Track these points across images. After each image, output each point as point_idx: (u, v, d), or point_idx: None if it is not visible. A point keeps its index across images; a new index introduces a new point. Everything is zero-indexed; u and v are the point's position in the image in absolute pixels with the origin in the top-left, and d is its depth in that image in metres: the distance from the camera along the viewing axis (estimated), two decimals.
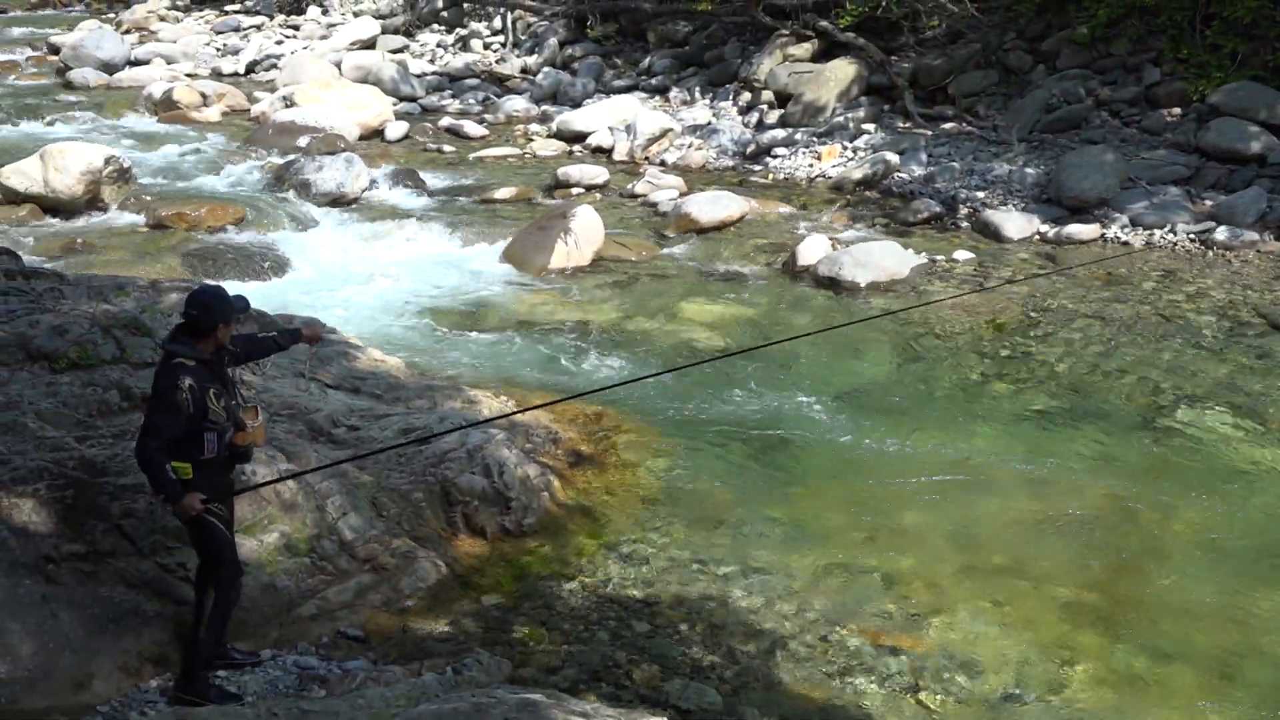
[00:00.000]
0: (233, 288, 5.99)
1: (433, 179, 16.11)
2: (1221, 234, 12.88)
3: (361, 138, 18.25)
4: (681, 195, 14.92)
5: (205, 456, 4.98)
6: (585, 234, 12.71)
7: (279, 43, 27.24)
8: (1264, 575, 6.77)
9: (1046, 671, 5.92)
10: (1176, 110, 15.78)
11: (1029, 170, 15.00)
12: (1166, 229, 13.24)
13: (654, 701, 5.54)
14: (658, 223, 14.21)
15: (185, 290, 8.07)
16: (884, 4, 18.83)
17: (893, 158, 15.92)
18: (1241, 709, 5.71)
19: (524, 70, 23.46)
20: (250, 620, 5.74)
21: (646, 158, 17.46)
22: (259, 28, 29.36)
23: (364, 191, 14.95)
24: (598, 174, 16.01)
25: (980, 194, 14.67)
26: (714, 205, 14.14)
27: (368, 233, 13.42)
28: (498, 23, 25.98)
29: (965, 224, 14.08)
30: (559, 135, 18.65)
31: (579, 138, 18.40)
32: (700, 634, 6.13)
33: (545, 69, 22.95)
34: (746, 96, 19.45)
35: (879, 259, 12.22)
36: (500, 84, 22.95)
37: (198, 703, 5.03)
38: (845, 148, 16.91)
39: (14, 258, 8.78)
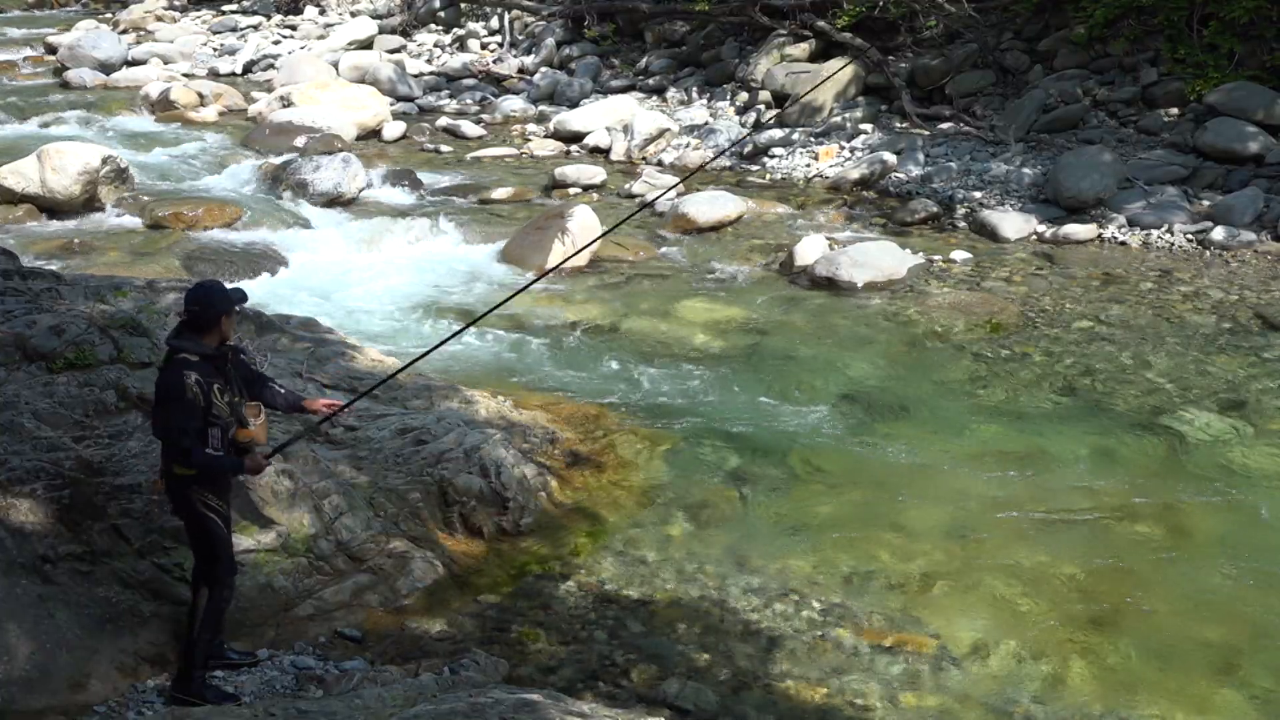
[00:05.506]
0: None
1: (430, 179, 16.08)
2: (1219, 234, 12.88)
3: (359, 138, 18.20)
4: (679, 195, 14.91)
5: (209, 451, 4.99)
6: (583, 234, 12.70)
7: (276, 43, 27.17)
8: (1263, 574, 6.77)
9: (1045, 671, 5.93)
10: (1174, 110, 15.76)
11: (1026, 170, 15.00)
12: (1164, 229, 13.24)
13: (651, 701, 5.54)
14: (655, 223, 14.20)
15: (183, 290, 8.04)
16: (881, 4, 18.82)
17: (890, 158, 15.91)
18: (1241, 709, 5.72)
19: (521, 70, 23.43)
20: (247, 620, 5.75)
21: (644, 158, 17.43)
22: (256, 28, 29.27)
23: (361, 191, 14.92)
24: (595, 174, 15.97)
25: (977, 194, 14.67)
26: (711, 205, 14.13)
27: (365, 232, 13.39)
28: (495, 23, 25.94)
29: (962, 224, 14.07)
30: (556, 135, 18.61)
31: (576, 138, 18.35)
32: (698, 634, 6.14)
33: (542, 69, 22.92)
34: (744, 96, 19.42)
35: (876, 259, 12.22)
36: (497, 84, 22.92)
37: (195, 703, 5.04)
38: (843, 148, 16.90)
39: (11, 258, 8.78)
